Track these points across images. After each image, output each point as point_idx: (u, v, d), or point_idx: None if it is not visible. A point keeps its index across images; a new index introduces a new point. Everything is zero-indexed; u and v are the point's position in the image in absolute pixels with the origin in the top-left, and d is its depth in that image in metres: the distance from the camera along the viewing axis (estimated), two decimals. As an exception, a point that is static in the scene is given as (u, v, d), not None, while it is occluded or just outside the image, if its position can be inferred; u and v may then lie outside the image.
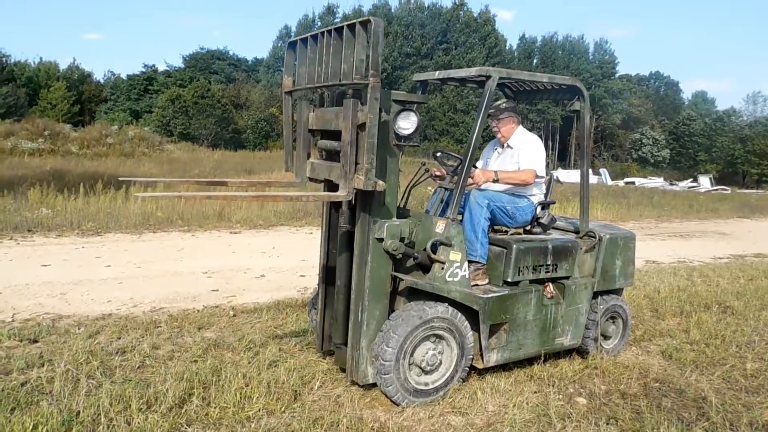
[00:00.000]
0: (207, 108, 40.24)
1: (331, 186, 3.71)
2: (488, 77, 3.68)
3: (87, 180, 13.38)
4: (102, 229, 9.44)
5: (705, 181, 39.25)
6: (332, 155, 3.64)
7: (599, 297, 4.41)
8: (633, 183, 35.59)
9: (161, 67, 52.40)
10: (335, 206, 3.82)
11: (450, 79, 4.24)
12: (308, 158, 3.85)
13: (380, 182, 3.20)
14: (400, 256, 3.49)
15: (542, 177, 4.22)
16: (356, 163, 3.23)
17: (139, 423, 3.05)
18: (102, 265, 7.05)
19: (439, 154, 4.17)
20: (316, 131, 3.76)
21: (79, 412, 3.13)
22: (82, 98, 46.81)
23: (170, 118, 40.12)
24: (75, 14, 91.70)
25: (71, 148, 27.63)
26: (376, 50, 3.02)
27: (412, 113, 3.36)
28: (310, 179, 3.83)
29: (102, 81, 52.79)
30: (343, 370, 3.77)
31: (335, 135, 3.48)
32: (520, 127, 4.30)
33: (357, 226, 3.54)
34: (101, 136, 30.60)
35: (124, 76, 51.64)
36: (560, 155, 51.20)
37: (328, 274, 3.95)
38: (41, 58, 49.23)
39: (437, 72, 4.19)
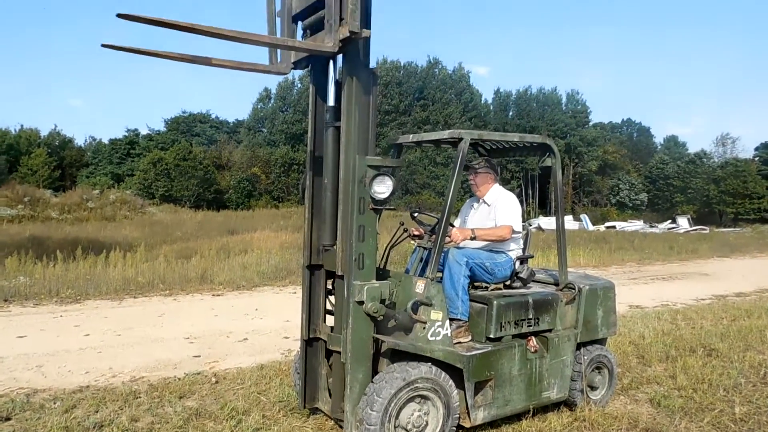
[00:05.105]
0: (189, 169, 40.46)
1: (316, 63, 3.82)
2: (460, 139, 3.80)
3: (67, 246, 13.26)
4: (81, 296, 9.28)
5: (683, 222, 39.97)
6: (316, 28, 3.65)
7: (583, 348, 4.41)
8: (614, 227, 36.13)
9: (143, 131, 52.95)
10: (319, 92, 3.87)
11: (424, 142, 4.36)
12: None
13: (366, 30, 3.18)
14: (381, 317, 3.49)
15: (519, 232, 4.30)
16: (341, 18, 3.23)
17: (116, 504, 2.94)
18: (80, 333, 6.90)
19: (416, 214, 4.25)
20: (300, 13, 3.77)
21: (53, 495, 3.01)
22: (63, 163, 46.79)
23: (152, 181, 40.21)
24: (58, 81, 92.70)
25: (51, 213, 27.53)
26: None
27: (387, 177, 3.44)
28: (294, 64, 3.81)
29: (83, 146, 53.01)
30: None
31: (318, 6, 3.49)
32: (497, 184, 4.41)
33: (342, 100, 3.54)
34: (82, 201, 30.58)
35: (106, 140, 51.96)
36: (540, 203, 51.94)
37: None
38: (22, 126, 49.50)
39: (411, 135, 4.31)
